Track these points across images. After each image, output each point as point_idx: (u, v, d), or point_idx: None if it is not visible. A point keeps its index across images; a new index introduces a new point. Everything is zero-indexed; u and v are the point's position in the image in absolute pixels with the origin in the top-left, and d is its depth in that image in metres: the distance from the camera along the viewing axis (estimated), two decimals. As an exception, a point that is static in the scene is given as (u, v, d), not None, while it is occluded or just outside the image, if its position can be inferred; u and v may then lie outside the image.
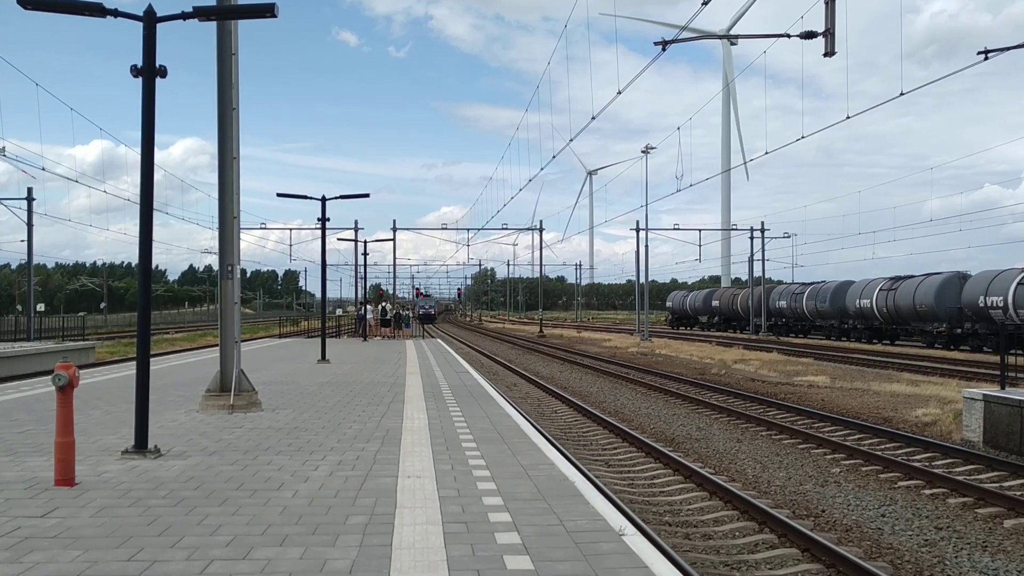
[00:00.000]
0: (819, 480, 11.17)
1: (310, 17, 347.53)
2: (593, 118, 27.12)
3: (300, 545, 5.18)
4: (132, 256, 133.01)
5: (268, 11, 8.77)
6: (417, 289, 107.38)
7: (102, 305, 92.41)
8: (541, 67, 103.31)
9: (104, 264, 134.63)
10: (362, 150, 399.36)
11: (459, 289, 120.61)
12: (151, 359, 8.99)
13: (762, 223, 58.96)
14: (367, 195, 28.72)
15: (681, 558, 6.95)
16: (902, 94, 18.43)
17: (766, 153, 41.85)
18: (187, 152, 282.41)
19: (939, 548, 8.09)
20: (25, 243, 38.10)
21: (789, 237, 63.17)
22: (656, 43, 20.30)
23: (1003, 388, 13.84)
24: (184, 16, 8.67)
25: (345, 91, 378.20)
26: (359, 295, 50.81)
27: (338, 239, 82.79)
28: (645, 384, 23.78)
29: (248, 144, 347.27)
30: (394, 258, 52.94)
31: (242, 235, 12.12)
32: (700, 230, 62.51)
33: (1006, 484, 10.63)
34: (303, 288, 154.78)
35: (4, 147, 30.07)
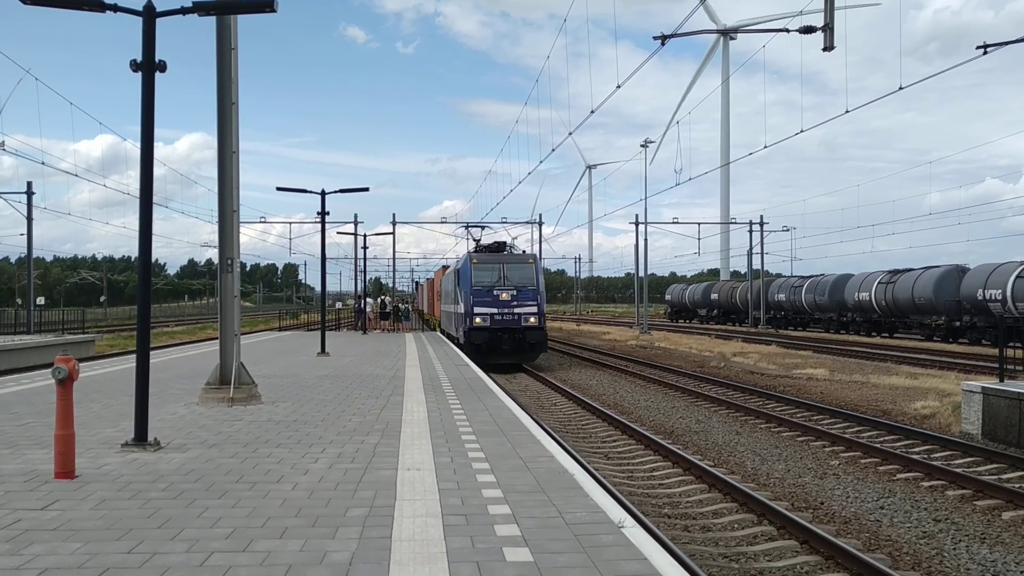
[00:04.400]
0: (818, 472, 11.20)
1: (318, 14, 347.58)
2: (592, 112, 27.20)
3: (300, 537, 5.20)
4: (133, 250, 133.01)
5: (267, 6, 8.72)
6: (442, 272, 59.85)
7: (102, 298, 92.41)
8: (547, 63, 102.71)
9: (104, 258, 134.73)
10: (365, 145, 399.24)
11: None
12: (151, 352, 9.00)
13: (761, 217, 59.01)
14: (366, 189, 29.00)
15: (680, 550, 6.98)
16: (901, 88, 18.59)
17: (765, 147, 41.63)
18: (193, 147, 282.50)
19: (937, 540, 8.12)
20: (25, 237, 38.17)
21: (788, 231, 63.51)
22: (655, 37, 20.26)
23: (1002, 381, 13.89)
24: (183, 11, 8.62)
25: (350, 86, 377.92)
26: (358, 288, 50.75)
27: (338, 232, 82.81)
28: (644, 377, 23.82)
29: (250, 139, 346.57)
30: (393, 251, 52.75)
31: (242, 229, 12.13)
32: (699, 224, 62.39)
33: (1004, 476, 10.66)
34: (303, 281, 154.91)
35: (4, 141, 30.03)
